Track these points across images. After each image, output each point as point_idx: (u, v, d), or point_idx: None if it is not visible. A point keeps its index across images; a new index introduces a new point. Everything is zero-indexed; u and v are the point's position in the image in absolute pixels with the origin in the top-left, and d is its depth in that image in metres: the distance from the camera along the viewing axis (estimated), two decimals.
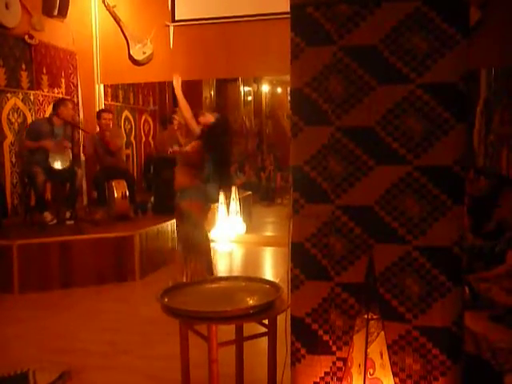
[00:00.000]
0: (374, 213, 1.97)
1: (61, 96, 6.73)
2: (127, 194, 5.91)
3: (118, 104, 8.18)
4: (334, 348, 2.05)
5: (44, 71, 6.59)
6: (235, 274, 5.63)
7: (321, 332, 2.06)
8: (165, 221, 5.87)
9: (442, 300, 1.92)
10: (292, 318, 2.10)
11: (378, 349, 1.82)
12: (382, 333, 1.83)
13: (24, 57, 6.23)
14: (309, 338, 2.07)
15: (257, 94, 14.78)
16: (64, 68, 6.97)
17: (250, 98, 14.36)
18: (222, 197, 7.02)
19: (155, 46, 7.01)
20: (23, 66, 6.23)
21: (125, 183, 5.95)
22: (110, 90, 7.93)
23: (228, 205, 7.10)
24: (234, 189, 7.22)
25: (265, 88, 14.95)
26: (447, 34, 1.87)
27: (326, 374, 2.07)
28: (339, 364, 2.05)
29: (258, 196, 10.65)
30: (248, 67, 7.11)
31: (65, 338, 3.68)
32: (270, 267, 6.12)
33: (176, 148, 4.88)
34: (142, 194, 7.45)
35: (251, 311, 2.31)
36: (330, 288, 2.03)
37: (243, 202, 7.78)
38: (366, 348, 1.79)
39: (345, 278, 2.01)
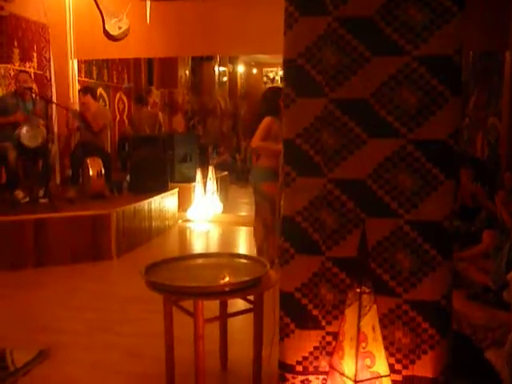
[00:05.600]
0: (366, 187, 1.95)
1: (33, 70, 6.52)
2: (103, 172, 5.78)
3: (91, 81, 7.96)
4: (323, 323, 2.04)
5: (15, 44, 6.35)
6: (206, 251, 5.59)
7: (310, 307, 2.04)
8: (142, 200, 5.78)
9: (432, 274, 1.93)
10: (281, 293, 2.08)
11: (370, 322, 1.81)
12: (375, 306, 1.83)
13: None
14: (298, 313, 2.05)
15: (232, 75, 14.63)
16: (36, 41, 6.73)
17: (225, 79, 14.19)
18: (198, 176, 6.95)
19: (131, 21, 6.81)
20: None
21: (100, 161, 5.82)
22: (83, 66, 7.70)
23: (205, 184, 7.03)
24: (211, 168, 7.15)
25: (240, 69, 14.80)
26: (444, 6, 1.84)
27: (315, 348, 2.06)
28: (328, 338, 2.04)
29: (233, 177, 10.59)
30: (226, 45, 6.98)
31: (41, 316, 3.59)
32: (249, 246, 6.08)
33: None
34: (116, 172, 7.31)
35: (239, 287, 2.28)
36: (320, 262, 2.01)
37: (220, 181, 7.72)
38: (359, 322, 1.78)
39: (336, 252, 2.00)
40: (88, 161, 5.76)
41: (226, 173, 9.03)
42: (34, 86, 6.00)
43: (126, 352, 3.02)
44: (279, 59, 14.39)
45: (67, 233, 4.90)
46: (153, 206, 6.00)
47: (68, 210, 5.10)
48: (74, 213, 4.99)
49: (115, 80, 8.78)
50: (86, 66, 7.82)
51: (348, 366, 1.82)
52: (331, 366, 1.90)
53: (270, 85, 15.55)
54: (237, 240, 6.46)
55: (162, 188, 6.47)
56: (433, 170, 1.90)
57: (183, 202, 7.12)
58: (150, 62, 9.61)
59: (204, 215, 6.94)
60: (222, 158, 11.25)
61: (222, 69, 13.86)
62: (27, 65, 6.53)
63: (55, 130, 6.57)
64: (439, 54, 1.85)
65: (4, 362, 2.82)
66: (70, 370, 2.82)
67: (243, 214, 7.95)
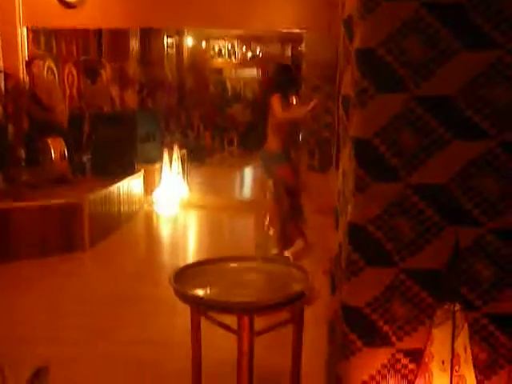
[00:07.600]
0: (448, 192, 1.78)
1: None
2: (66, 153, 5.31)
3: (39, 51, 7.30)
4: (393, 339, 1.88)
5: None
6: (182, 239, 5.34)
7: (381, 322, 1.87)
8: (110, 184, 5.38)
9: None
10: (346, 308, 1.89)
11: (462, 343, 1.66)
12: (466, 325, 1.67)
13: None
14: (367, 329, 1.87)
15: (179, 47, 14.03)
16: None
17: (172, 51, 13.58)
18: (165, 156, 6.59)
19: None
20: None
21: (62, 141, 5.34)
22: (31, 35, 7.02)
23: (171, 165, 6.67)
24: (176, 148, 6.79)
25: (188, 41, 14.23)
26: None
27: (383, 366, 1.90)
28: (399, 356, 1.89)
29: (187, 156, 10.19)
30: (192, 16, 6.59)
31: (25, 323, 3.22)
32: (223, 232, 5.85)
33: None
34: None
35: (287, 300, 2.06)
36: (394, 274, 1.84)
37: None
38: (453, 342, 1.63)
39: (411, 263, 1.83)
40: (49, 141, 5.26)
41: (184, 151, 8.63)
42: None
43: (135, 363, 2.74)
44: (226, 32, 14.02)
45: (34, 223, 4.46)
46: (121, 190, 5.61)
47: (32, 197, 4.63)
48: (42, 201, 4.54)
49: (64, 51, 8.12)
50: (34, 35, 7.14)
51: None
52: None
53: (216, 58, 15.19)
54: (214, 226, 6.18)
55: (129, 170, 6.06)
56: None
57: (147, 185, 6.74)
58: (99, 33, 8.95)
59: (171, 198, 6.60)
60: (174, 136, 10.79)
61: (169, 40, 13.24)
62: None
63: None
64: None
65: None
66: None
67: (201, 194, 7.66)
